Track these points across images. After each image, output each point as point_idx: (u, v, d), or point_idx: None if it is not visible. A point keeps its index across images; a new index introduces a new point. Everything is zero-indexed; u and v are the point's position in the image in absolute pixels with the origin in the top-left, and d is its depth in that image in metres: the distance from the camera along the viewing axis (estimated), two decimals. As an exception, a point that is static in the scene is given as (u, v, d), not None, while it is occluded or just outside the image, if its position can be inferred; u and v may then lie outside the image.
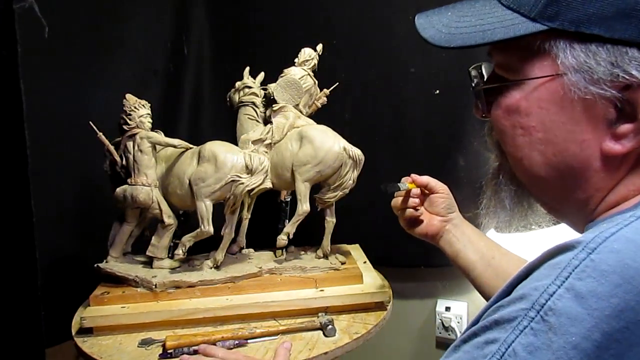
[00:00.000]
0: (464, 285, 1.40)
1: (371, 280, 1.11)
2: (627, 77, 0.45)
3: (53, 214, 1.11)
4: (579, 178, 0.51)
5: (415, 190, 0.95)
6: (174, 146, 1.07)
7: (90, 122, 1.01)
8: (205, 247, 1.12)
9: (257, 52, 1.23)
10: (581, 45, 0.46)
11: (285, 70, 1.18)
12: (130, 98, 1.06)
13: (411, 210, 0.95)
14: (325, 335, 0.96)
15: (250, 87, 1.17)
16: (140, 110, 1.05)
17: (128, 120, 1.05)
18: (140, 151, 1.04)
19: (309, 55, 1.18)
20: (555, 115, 0.49)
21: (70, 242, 1.18)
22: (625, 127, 0.47)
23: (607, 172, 0.49)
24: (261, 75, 1.19)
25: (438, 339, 1.44)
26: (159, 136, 1.08)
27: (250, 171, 1.04)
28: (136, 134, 1.05)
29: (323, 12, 1.39)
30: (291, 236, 1.11)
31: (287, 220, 1.17)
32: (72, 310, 1.07)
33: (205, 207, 1.03)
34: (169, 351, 0.90)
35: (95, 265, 1.07)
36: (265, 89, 1.19)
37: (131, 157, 1.05)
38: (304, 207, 1.08)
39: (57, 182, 1.11)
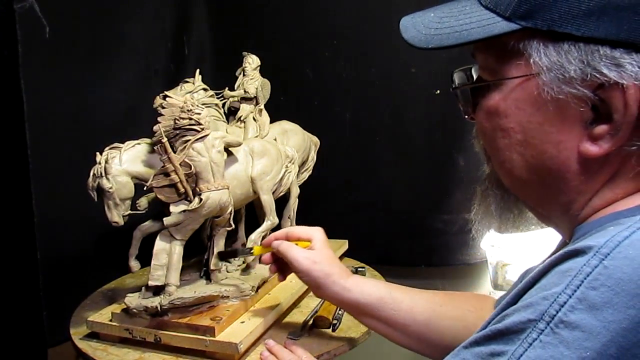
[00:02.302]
0: (464, 285, 1.41)
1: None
2: (598, 76, 0.44)
3: (54, 214, 1.10)
4: (559, 181, 0.49)
5: (264, 257, 0.91)
6: (240, 144, 1.03)
7: (159, 126, 0.92)
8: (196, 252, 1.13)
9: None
10: (554, 44, 0.46)
11: (250, 74, 1.22)
12: (186, 100, 0.96)
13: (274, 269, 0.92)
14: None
15: (206, 89, 1.17)
16: (205, 110, 0.97)
17: (199, 122, 0.94)
18: (218, 152, 0.96)
19: (258, 61, 1.24)
20: (531, 116, 0.49)
21: (72, 242, 1.18)
22: (602, 128, 0.45)
23: (587, 174, 0.48)
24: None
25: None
26: (229, 135, 1.02)
27: (291, 161, 1.14)
28: (206, 135, 0.95)
29: (323, 12, 1.40)
30: (292, 218, 1.24)
31: None
32: (73, 310, 1.06)
33: (270, 200, 1.07)
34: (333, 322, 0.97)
35: (165, 304, 0.91)
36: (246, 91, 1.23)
37: (205, 160, 0.94)
38: (297, 190, 1.24)
39: (58, 182, 1.11)
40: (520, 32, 0.47)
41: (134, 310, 0.91)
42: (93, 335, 0.96)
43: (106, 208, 0.94)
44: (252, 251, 0.96)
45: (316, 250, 0.85)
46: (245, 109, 1.22)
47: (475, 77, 0.58)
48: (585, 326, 0.38)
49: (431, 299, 0.79)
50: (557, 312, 0.39)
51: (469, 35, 0.50)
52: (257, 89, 1.21)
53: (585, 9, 0.44)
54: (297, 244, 0.87)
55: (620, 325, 0.37)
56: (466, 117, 0.57)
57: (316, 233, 0.89)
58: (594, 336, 0.37)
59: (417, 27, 0.55)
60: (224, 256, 1.04)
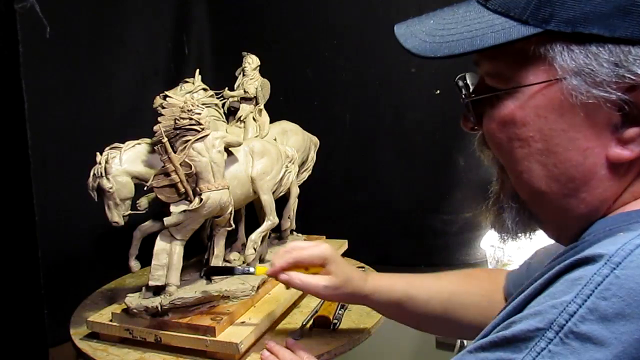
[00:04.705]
0: (463, 284, 1.41)
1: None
2: (633, 77, 0.42)
3: (55, 213, 1.11)
4: (583, 189, 0.47)
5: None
6: (240, 144, 1.03)
7: (159, 126, 0.91)
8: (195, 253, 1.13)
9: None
10: (580, 46, 0.44)
11: (250, 74, 1.22)
12: (186, 100, 0.96)
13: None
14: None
15: (206, 89, 1.16)
16: (205, 110, 0.97)
17: (199, 122, 0.93)
18: (219, 152, 0.96)
19: (258, 61, 1.24)
20: (554, 123, 0.46)
21: (72, 242, 1.18)
22: (632, 131, 0.44)
23: (614, 180, 0.46)
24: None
25: (438, 339, 1.44)
26: (230, 135, 1.02)
27: (291, 161, 1.14)
28: (206, 135, 0.95)
29: (323, 12, 1.40)
30: (292, 218, 1.25)
31: None
32: (73, 310, 1.06)
33: (270, 199, 1.08)
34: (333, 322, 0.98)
35: (166, 304, 0.90)
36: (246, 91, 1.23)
37: (205, 160, 0.94)
38: (297, 190, 1.25)
39: (59, 182, 1.11)
40: (540, 36, 0.45)
41: (134, 311, 0.91)
42: (93, 336, 0.96)
43: (106, 208, 0.93)
44: (253, 272, 0.91)
45: (332, 274, 0.81)
46: (245, 109, 1.22)
47: (471, 85, 0.55)
48: (596, 337, 0.37)
49: (445, 288, 0.82)
50: (567, 322, 0.38)
51: (483, 41, 0.47)
52: (257, 89, 1.22)
53: (611, 8, 0.42)
54: (307, 270, 0.82)
55: (633, 337, 0.36)
56: (472, 129, 0.54)
57: (327, 253, 0.82)
58: (606, 348, 0.37)
59: (417, 36, 0.52)
60: (215, 272, 1.00)
